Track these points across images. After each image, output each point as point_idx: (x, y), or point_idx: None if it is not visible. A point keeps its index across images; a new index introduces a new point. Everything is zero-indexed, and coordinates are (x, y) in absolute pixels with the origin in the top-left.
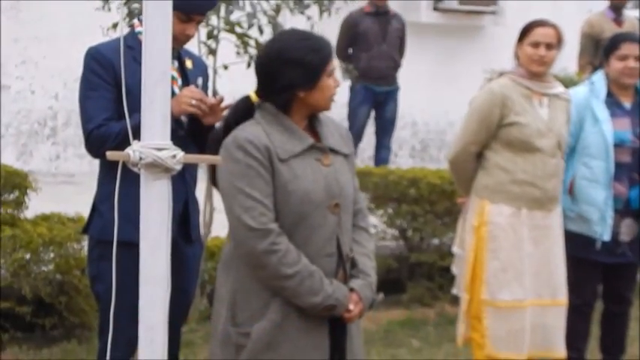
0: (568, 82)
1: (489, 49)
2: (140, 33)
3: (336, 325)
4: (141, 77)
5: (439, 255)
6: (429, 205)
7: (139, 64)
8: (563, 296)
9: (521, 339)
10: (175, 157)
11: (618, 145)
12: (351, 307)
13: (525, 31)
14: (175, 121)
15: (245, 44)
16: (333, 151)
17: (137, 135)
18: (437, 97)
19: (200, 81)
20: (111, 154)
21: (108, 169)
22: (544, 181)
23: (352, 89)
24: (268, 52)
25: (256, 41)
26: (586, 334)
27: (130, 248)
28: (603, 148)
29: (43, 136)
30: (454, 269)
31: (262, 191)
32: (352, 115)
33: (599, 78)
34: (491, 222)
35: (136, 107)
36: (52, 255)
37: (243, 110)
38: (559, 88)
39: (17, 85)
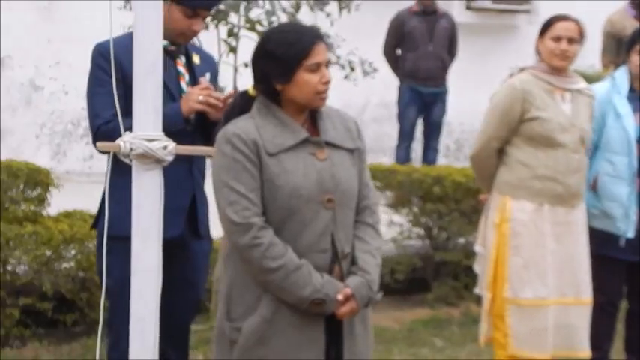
0: (595, 79)
1: (523, 49)
2: None
3: (333, 322)
4: None
5: (464, 254)
6: (454, 204)
7: None
8: (587, 295)
9: (544, 338)
10: (166, 148)
11: None
12: (340, 297)
13: (547, 26)
14: (185, 120)
15: None
16: (333, 145)
17: None
18: (470, 97)
19: (208, 76)
20: (101, 145)
21: (115, 163)
22: (566, 177)
23: (400, 90)
24: (257, 44)
25: None
26: (611, 333)
27: None
28: (625, 144)
29: (77, 136)
30: (476, 268)
31: (247, 185)
32: (401, 115)
33: (620, 73)
34: (513, 219)
35: None
36: (73, 252)
37: (241, 105)
38: (581, 84)
39: (51, 86)
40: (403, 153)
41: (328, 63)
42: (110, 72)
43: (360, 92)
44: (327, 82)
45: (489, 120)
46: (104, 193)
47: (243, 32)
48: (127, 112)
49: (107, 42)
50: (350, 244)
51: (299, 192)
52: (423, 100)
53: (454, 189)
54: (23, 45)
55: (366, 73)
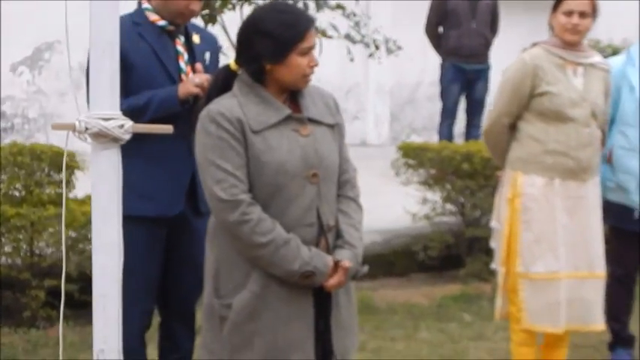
0: None
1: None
2: (147, 9)
3: (321, 295)
4: (148, 53)
5: None
6: (484, 180)
7: (145, 40)
8: (601, 269)
9: (557, 312)
10: (123, 126)
11: None
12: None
13: (559, 0)
14: (182, 104)
15: None
16: (314, 121)
17: (144, 113)
18: None
19: (207, 55)
20: (56, 125)
21: None
22: (577, 151)
23: (442, 67)
24: (247, 20)
25: None
26: (629, 305)
27: (142, 223)
28: (639, 116)
29: None
30: (492, 244)
31: (234, 163)
32: (444, 93)
33: (636, 47)
34: (524, 193)
35: (140, 83)
36: None
37: (224, 80)
38: (595, 58)
39: None
40: (446, 130)
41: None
42: None
43: (413, 71)
44: (314, 66)
45: (501, 95)
46: None
47: None
48: (127, 91)
49: None
50: (334, 218)
51: (285, 167)
52: (465, 77)
53: (483, 165)
54: (72, 29)
55: (390, 51)
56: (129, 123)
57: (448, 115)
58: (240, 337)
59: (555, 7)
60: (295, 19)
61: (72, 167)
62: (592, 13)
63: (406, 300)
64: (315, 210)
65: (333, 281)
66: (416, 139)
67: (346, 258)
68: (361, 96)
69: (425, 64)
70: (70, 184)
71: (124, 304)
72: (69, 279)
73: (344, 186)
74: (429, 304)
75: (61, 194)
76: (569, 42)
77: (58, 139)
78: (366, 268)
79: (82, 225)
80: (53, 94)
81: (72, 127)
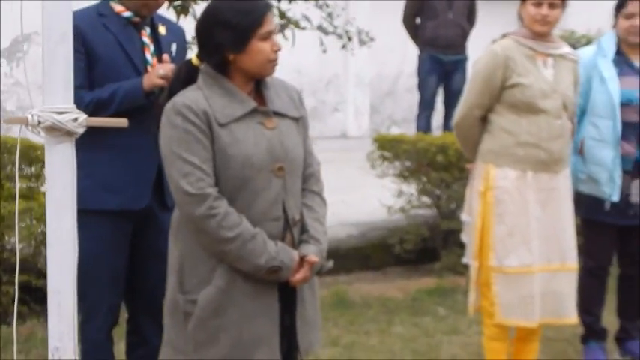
0: None
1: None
2: (113, 0)
3: (286, 290)
4: (113, 45)
5: None
6: (459, 172)
7: (110, 32)
8: (572, 261)
9: (531, 305)
10: (77, 120)
11: (625, 104)
12: (313, 258)
13: None
14: (146, 96)
15: None
16: (279, 114)
17: (108, 106)
18: None
19: (174, 47)
20: (8, 120)
21: (81, 138)
22: (549, 143)
23: (419, 58)
24: (204, 12)
25: (279, 10)
26: (601, 298)
27: (107, 216)
28: (609, 107)
29: None
30: (464, 237)
31: (200, 156)
32: (421, 84)
33: (607, 37)
34: (496, 186)
35: (106, 75)
36: None
37: (186, 75)
38: (565, 49)
39: None
40: (424, 122)
41: (275, 31)
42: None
43: (393, 63)
44: (278, 51)
45: (471, 87)
46: None
47: None
48: (91, 84)
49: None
50: (299, 212)
51: (251, 161)
52: (443, 68)
53: (458, 157)
54: None
55: (362, 42)
56: (83, 116)
57: (426, 106)
58: (205, 333)
59: None
60: (251, 6)
61: (42, 161)
62: (561, 3)
63: (381, 294)
64: (280, 204)
65: (298, 276)
66: (396, 131)
67: (312, 252)
68: (341, 87)
69: (405, 56)
70: (40, 178)
71: (91, 299)
72: (40, 274)
73: (308, 180)
74: (403, 298)
75: (32, 188)
76: (539, 33)
77: (32, 133)
78: (330, 263)
79: None
80: (31, 86)
81: (25, 121)
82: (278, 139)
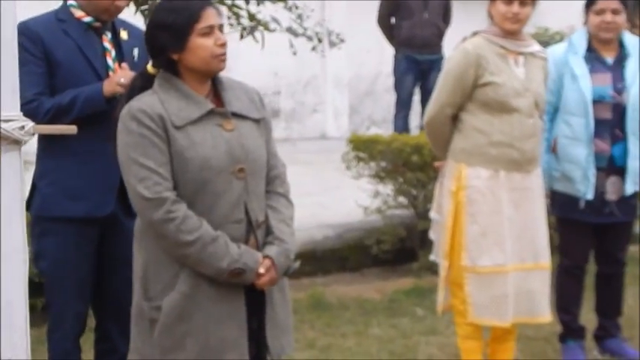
0: None
1: (540, 13)
2: (72, 6)
3: (253, 294)
4: (73, 50)
5: None
6: (434, 172)
7: (70, 37)
8: (545, 260)
9: (505, 305)
10: (24, 128)
11: (598, 101)
12: (262, 271)
13: None
14: (107, 101)
15: (237, 15)
16: (239, 115)
17: (69, 112)
18: None
19: (137, 52)
20: None
21: (45, 145)
22: (522, 142)
23: (395, 58)
24: (149, 18)
25: (248, 12)
26: (579, 297)
27: (71, 223)
28: (582, 105)
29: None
30: (432, 235)
31: (157, 160)
32: (398, 84)
33: (578, 34)
34: (469, 186)
35: (66, 81)
36: None
37: (142, 84)
38: (535, 47)
39: None
40: (401, 122)
41: (222, 27)
42: (32, 50)
43: (371, 63)
44: (223, 45)
45: (443, 86)
46: (34, 175)
47: None
48: (52, 90)
49: (29, 20)
50: (263, 213)
51: (209, 163)
52: (419, 68)
53: (433, 157)
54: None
55: (332, 44)
56: (30, 124)
57: (403, 106)
58: (171, 339)
59: None
60: (186, 4)
61: None
62: (531, 2)
63: (358, 295)
64: (242, 206)
65: (265, 279)
66: (376, 132)
67: (274, 253)
68: (319, 89)
69: (383, 56)
70: None
71: (57, 307)
72: None
73: (273, 182)
74: (381, 299)
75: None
76: (510, 31)
77: None
78: (297, 264)
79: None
80: None
81: None
82: (238, 140)
